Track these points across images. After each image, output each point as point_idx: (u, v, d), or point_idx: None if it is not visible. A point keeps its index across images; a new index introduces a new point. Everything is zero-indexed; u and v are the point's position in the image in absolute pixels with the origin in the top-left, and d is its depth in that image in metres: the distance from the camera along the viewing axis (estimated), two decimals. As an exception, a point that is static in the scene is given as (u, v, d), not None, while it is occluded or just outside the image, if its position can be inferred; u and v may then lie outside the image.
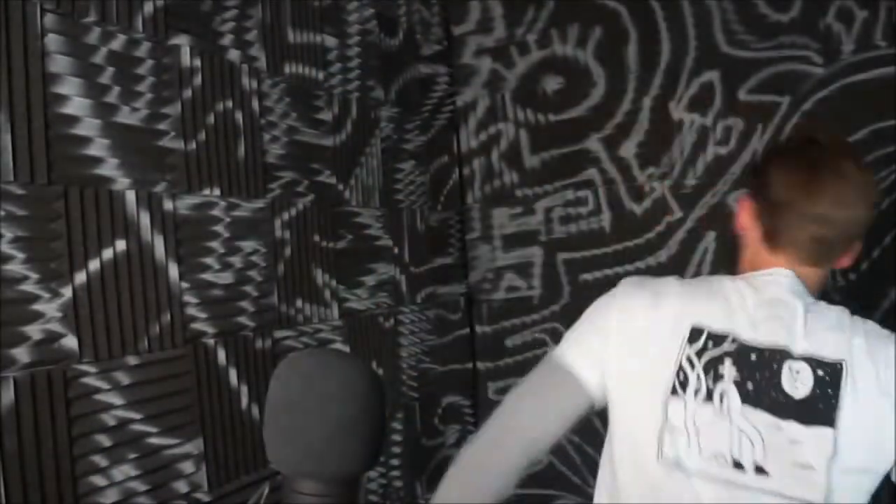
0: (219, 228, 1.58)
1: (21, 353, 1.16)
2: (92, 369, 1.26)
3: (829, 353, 0.99)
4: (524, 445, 1.17)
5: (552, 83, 2.64)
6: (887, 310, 2.24)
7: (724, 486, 0.97)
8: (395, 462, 2.18)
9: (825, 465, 0.93)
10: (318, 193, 1.91)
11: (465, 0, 2.74)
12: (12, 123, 1.15)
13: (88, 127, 1.30)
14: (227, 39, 1.63)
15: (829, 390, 0.96)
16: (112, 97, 1.35)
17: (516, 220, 2.69)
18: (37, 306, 1.19)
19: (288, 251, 1.78)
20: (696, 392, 1.00)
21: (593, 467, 2.60)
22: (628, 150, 2.53)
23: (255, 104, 1.70)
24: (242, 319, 1.63)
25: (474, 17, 2.74)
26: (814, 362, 0.99)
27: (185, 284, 1.47)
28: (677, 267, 2.46)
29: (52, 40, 1.24)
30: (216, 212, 1.58)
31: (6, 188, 1.14)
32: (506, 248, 2.71)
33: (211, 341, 1.52)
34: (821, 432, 0.94)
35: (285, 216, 1.77)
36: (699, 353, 1.02)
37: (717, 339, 1.02)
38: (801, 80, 2.33)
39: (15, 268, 1.16)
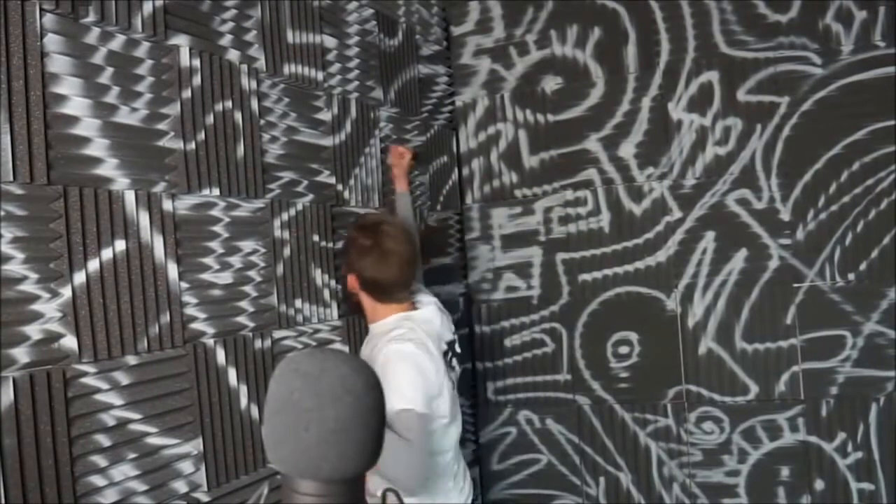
0: (218, 228, 1.58)
1: (20, 353, 1.16)
2: (91, 369, 1.26)
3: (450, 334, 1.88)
4: None
5: (551, 83, 2.64)
6: (886, 310, 2.25)
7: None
8: (394, 462, 2.18)
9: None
10: (318, 193, 1.91)
11: (464, 0, 2.74)
12: (12, 123, 1.15)
13: (88, 127, 1.30)
14: (226, 39, 1.63)
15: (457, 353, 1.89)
16: (111, 97, 1.35)
17: (515, 220, 2.69)
18: (36, 306, 1.19)
19: (287, 251, 1.78)
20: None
21: (593, 467, 2.62)
22: (627, 150, 2.54)
23: (255, 104, 1.70)
24: (242, 319, 1.63)
25: (474, 18, 2.74)
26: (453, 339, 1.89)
27: (184, 284, 1.47)
28: (677, 267, 2.46)
29: (52, 40, 1.24)
30: (215, 212, 1.58)
31: (6, 188, 1.14)
32: (505, 248, 2.71)
33: (210, 341, 1.52)
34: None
35: (284, 216, 1.78)
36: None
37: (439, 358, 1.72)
38: (800, 80, 2.34)
39: (15, 268, 1.16)
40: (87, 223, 1.27)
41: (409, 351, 1.64)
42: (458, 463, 1.86)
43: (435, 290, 2.51)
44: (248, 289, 1.65)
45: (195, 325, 1.50)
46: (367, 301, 1.79)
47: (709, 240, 2.44)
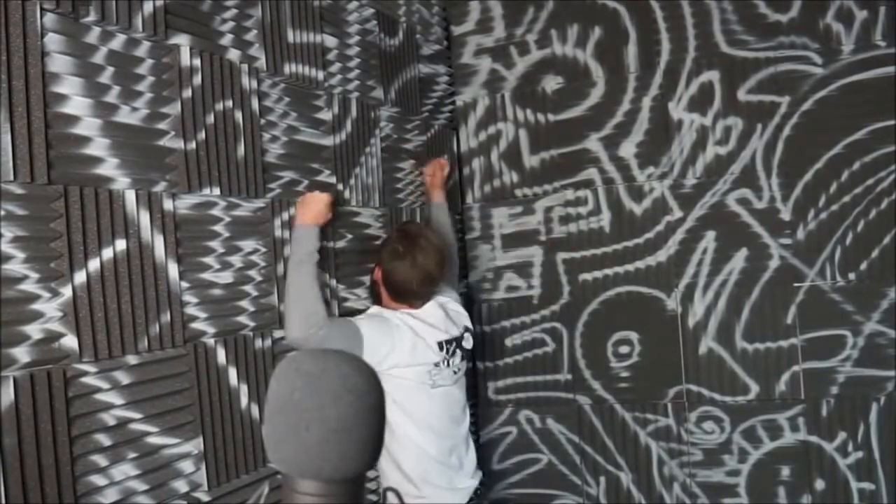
0: (218, 228, 1.58)
1: (21, 353, 1.16)
2: (92, 369, 1.26)
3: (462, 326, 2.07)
4: None
5: (552, 83, 2.64)
6: (886, 310, 2.25)
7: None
8: (394, 462, 2.18)
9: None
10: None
11: (465, 0, 2.74)
12: (12, 123, 1.15)
13: (88, 126, 1.30)
14: (227, 39, 1.63)
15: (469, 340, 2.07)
16: (112, 97, 1.35)
17: (516, 219, 2.69)
18: (37, 306, 1.19)
19: (288, 251, 1.77)
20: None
21: (594, 467, 2.61)
22: (628, 149, 2.54)
23: (255, 104, 1.70)
24: (242, 319, 1.63)
25: (474, 17, 2.74)
26: (466, 332, 2.07)
27: (184, 284, 1.47)
28: (677, 266, 2.46)
29: (52, 40, 1.24)
30: (216, 211, 1.58)
31: (6, 188, 1.14)
32: (505, 247, 2.71)
33: (211, 341, 1.52)
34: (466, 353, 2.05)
35: (285, 216, 1.77)
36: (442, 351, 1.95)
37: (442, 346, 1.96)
38: (800, 80, 2.34)
39: (15, 267, 1.16)
40: (88, 223, 1.27)
41: (383, 312, 1.92)
42: (455, 456, 1.99)
43: (435, 289, 2.51)
44: (248, 288, 1.65)
45: (195, 325, 1.50)
46: (384, 294, 1.97)
47: (709, 239, 2.44)
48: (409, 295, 1.92)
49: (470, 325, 2.11)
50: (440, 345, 1.92)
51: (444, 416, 1.95)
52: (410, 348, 1.84)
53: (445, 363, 1.93)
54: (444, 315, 1.98)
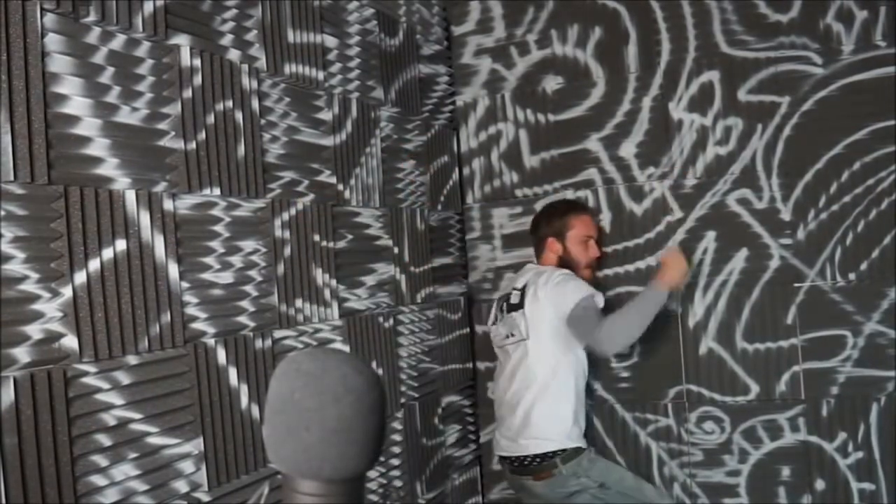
0: (219, 228, 1.58)
1: (21, 353, 1.16)
2: (92, 369, 1.26)
3: (520, 284, 2.35)
4: None
5: (552, 83, 2.64)
6: (886, 310, 2.24)
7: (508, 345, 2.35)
8: (395, 462, 2.18)
9: (524, 323, 2.26)
10: (318, 193, 1.91)
11: (465, 0, 2.74)
12: (13, 123, 1.15)
13: (88, 126, 1.30)
14: (227, 39, 1.63)
15: (521, 298, 2.30)
16: (112, 97, 1.35)
17: (516, 220, 2.69)
18: (37, 306, 1.19)
19: (288, 251, 1.78)
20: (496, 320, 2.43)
21: (593, 467, 2.58)
22: (628, 150, 2.54)
23: (255, 104, 1.70)
24: (242, 319, 1.63)
25: (474, 17, 2.74)
26: (518, 290, 2.34)
27: (185, 284, 1.47)
28: (677, 267, 2.46)
29: (52, 40, 1.24)
30: (216, 211, 1.58)
31: (6, 188, 1.14)
32: (506, 248, 2.71)
33: (211, 341, 1.52)
34: (518, 312, 2.29)
35: (285, 216, 1.78)
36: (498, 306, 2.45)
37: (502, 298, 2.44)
38: (801, 80, 2.34)
39: (15, 267, 1.16)
40: (88, 223, 1.27)
41: None
42: (511, 411, 2.28)
43: (435, 289, 2.51)
44: (248, 288, 1.65)
45: (196, 325, 1.50)
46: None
47: (709, 239, 2.44)
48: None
49: (526, 285, 2.31)
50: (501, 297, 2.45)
51: (504, 374, 2.34)
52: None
53: (496, 321, 2.40)
54: (523, 278, 2.36)
